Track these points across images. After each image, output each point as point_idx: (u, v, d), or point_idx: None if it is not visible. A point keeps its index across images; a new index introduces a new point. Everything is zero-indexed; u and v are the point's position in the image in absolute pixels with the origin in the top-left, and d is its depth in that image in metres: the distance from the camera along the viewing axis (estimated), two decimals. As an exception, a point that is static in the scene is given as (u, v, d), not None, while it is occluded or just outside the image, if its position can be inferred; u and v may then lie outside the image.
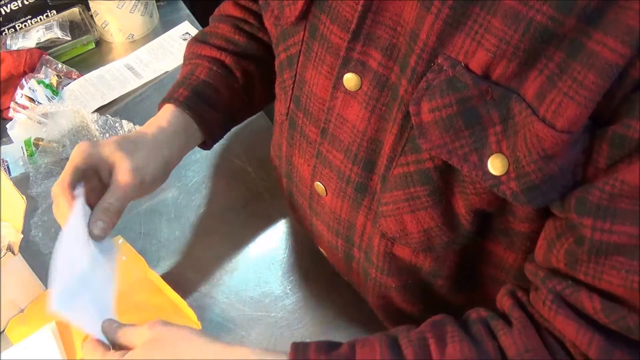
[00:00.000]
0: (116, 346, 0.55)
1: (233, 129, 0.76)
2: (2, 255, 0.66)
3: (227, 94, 0.72)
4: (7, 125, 0.94)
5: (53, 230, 0.80)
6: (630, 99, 0.39)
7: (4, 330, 0.71)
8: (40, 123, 0.92)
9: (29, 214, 0.79)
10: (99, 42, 1.12)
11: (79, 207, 0.57)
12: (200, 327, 0.69)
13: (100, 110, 0.99)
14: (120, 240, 0.77)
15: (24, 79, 0.99)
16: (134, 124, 0.91)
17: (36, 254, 0.78)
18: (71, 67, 1.05)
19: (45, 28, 1.08)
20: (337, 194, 0.60)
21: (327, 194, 0.61)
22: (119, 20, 1.09)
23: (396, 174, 0.52)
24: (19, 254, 0.68)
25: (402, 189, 0.52)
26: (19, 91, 0.97)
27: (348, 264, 0.67)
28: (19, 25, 1.10)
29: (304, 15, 0.55)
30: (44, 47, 1.06)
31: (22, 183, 0.86)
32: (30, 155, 0.89)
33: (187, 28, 1.13)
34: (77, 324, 0.56)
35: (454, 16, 0.42)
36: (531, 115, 0.41)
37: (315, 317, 0.73)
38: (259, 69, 0.73)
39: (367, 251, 0.61)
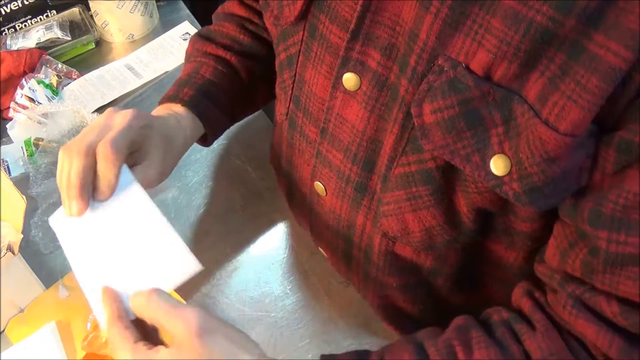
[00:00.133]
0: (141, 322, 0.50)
1: (233, 129, 0.76)
2: (2, 255, 0.66)
3: (231, 94, 0.72)
4: (7, 125, 0.94)
5: (53, 231, 0.80)
6: (635, 104, 0.39)
7: (4, 330, 0.71)
8: (40, 123, 0.92)
9: (29, 214, 0.79)
10: (99, 42, 1.11)
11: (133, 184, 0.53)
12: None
13: (100, 110, 0.99)
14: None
15: (24, 79, 0.99)
16: (134, 124, 0.91)
17: (36, 254, 0.78)
18: (71, 67, 1.04)
19: (45, 28, 1.08)
20: (337, 194, 0.60)
21: (326, 193, 0.61)
22: (119, 20, 1.08)
23: (397, 174, 0.51)
24: (19, 254, 0.68)
25: (404, 189, 0.52)
26: (19, 91, 0.97)
27: (348, 264, 0.67)
28: (19, 25, 1.10)
29: (303, 15, 0.55)
30: (44, 47, 1.05)
31: (22, 183, 0.86)
32: (30, 155, 0.89)
33: (187, 28, 1.13)
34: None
35: (453, 16, 0.42)
36: (534, 117, 0.41)
37: (315, 317, 0.73)
38: (263, 68, 0.73)
39: (367, 251, 0.61)
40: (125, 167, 0.54)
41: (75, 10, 1.13)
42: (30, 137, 0.91)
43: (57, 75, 1.01)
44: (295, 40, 0.57)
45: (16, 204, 0.69)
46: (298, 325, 0.72)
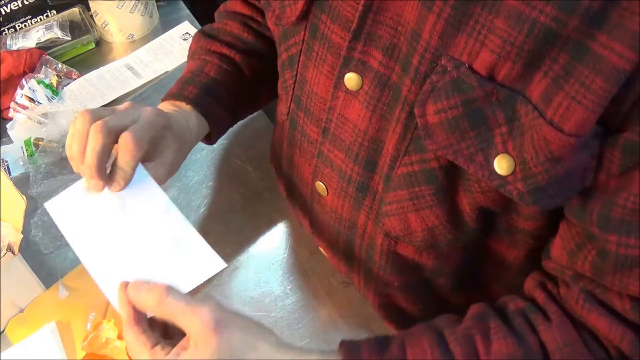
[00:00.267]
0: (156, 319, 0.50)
1: (233, 129, 0.76)
2: (2, 255, 0.66)
3: (236, 92, 0.72)
4: (7, 125, 0.94)
5: (53, 230, 0.80)
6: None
7: (4, 330, 0.71)
8: (40, 123, 0.92)
9: (29, 214, 0.78)
10: (99, 42, 1.11)
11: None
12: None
13: (100, 110, 0.99)
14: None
15: (24, 79, 0.98)
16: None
17: (36, 254, 0.78)
18: (71, 67, 1.04)
19: (45, 28, 1.08)
20: (338, 194, 0.60)
21: (328, 193, 0.61)
22: (119, 20, 1.08)
23: (400, 174, 0.52)
24: (19, 254, 0.68)
25: (407, 189, 0.52)
26: (19, 91, 0.97)
27: (349, 263, 0.67)
28: (19, 25, 1.10)
29: (304, 15, 0.55)
30: (44, 47, 1.05)
31: (22, 183, 0.86)
32: (30, 155, 0.89)
33: (187, 28, 1.13)
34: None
35: (456, 16, 0.42)
36: (538, 117, 0.41)
37: (315, 317, 0.73)
38: (266, 66, 0.73)
39: (369, 250, 0.61)
40: (140, 164, 0.55)
41: (75, 10, 1.13)
42: (30, 137, 0.91)
43: (57, 75, 1.01)
44: (297, 40, 0.57)
45: (16, 204, 0.69)
46: (298, 325, 0.72)
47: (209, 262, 0.52)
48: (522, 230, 0.52)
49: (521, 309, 0.50)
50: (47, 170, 0.88)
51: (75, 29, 1.10)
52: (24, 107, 0.95)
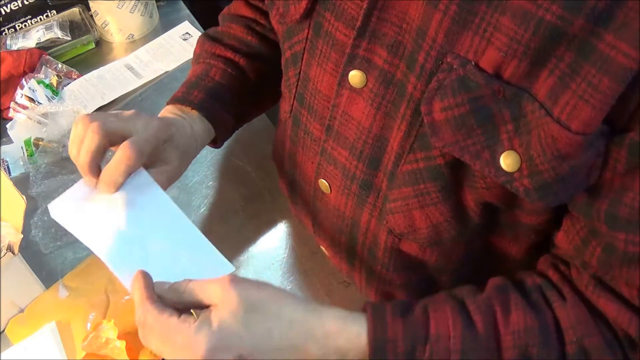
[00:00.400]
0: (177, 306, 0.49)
1: (233, 129, 0.76)
2: (2, 255, 0.66)
3: (241, 96, 0.72)
4: (7, 125, 0.94)
5: (53, 230, 0.80)
6: None
7: (4, 330, 0.71)
8: (40, 123, 0.92)
9: (29, 214, 0.79)
10: (99, 42, 1.11)
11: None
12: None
13: (100, 110, 0.99)
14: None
15: (24, 79, 0.98)
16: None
17: (36, 254, 0.78)
18: (71, 67, 1.04)
19: (45, 28, 1.08)
20: (342, 191, 0.60)
21: (331, 191, 0.61)
22: (119, 20, 1.08)
23: (405, 171, 0.52)
24: (19, 254, 0.68)
25: (412, 186, 0.52)
26: (19, 91, 0.97)
27: (351, 262, 0.67)
28: (19, 25, 1.10)
29: (308, 13, 0.55)
30: (44, 47, 1.05)
31: (22, 183, 0.86)
32: (30, 155, 0.89)
33: (187, 28, 1.13)
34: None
35: (461, 14, 0.43)
36: (545, 115, 0.41)
37: (315, 317, 0.73)
38: (270, 69, 0.73)
39: (372, 248, 0.61)
40: (142, 170, 0.56)
41: (75, 10, 1.13)
42: (30, 137, 0.91)
43: (57, 75, 1.01)
44: (300, 38, 0.57)
45: (16, 204, 0.69)
46: (298, 325, 0.72)
47: (218, 266, 0.53)
48: (525, 225, 0.53)
49: (538, 285, 0.52)
50: (47, 170, 0.88)
51: (75, 29, 1.10)
52: (24, 107, 0.95)
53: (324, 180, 0.61)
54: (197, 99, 0.67)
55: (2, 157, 0.90)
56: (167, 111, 0.67)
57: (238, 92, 0.71)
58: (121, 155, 0.54)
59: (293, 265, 0.78)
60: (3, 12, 1.06)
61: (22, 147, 0.91)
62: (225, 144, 0.92)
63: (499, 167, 0.45)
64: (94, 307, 0.71)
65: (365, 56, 0.51)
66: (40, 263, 0.76)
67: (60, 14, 1.12)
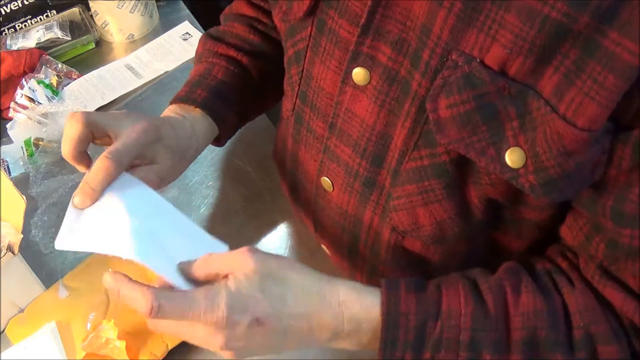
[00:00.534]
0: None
1: (233, 129, 0.76)
2: (2, 255, 0.66)
3: (244, 94, 0.72)
4: (7, 125, 0.94)
5: (53, 230, 0.80)
6: None
7: (4, 330, 0.71)
8: (40, 123, 0.92)
9: (29, 214, 0.78)
10: (99, 42, 1.11)
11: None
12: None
13: (100, 110, 0.99)
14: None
15: (24, 79, 0.98)
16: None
17: (36, 254, 0.77)
18: (71, 67, 1.04)
19: (45, 28, 1.08)
20: (345, 189, 0.60)
21: (333, 189, 0.61)
22: (119, 20, 1.08)
23: (409, 168, 0.52)
24: (19, 254, 0.68)
25: (416, 183, 0.52)
26: (19, 91, 0.97)
27: (353, 261, 0.67)
28: (19, 25, 1.09)
29: (311, 11, 0.55)
30: (44, 47, 1.05)
31: (22, 183, 0.86)
32: (30, 155, 0.89)
33: (187, 28, 1.13)
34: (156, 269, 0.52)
35: (466, 11, 0.43)
36: (551, 112, 0.42)
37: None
38: (273, 67, 0.73)
39: (374, 246, 0.61)
40: (124, 173, 0.55)
41: (75, 10, 1.13)
42: (30, 137, 0.91)
43: (57, 75, 1.01)
44: (303, 36, 0.57)
45: (16, 204, 0.69)
46: (299, 325, 0.72)
47: (213, 247, 0.54)
48: (529, 221, 0.54)
49: (548, 270, 0.52)
50: (47, 170, 0.87)
51: (75, 29, 1.10)
52: (24, 107, 0.95)
53: (326, 178, 0.61)
54: (201, 98, 0.67)
55: (2, 157, 0.90)
56: (170, 111, 0.67)
57: (241, 90, 0.71)
58: (99, 166, 0.53)
59: (293, 265, 0.78)
60: (3, 12, 1.06)
61: (22, 147, 0.91)
62: (226, 143, 0.92)
63: (504, 164, 0.45)
64: (94, 307, 0.71)
65: (369, 53, 0.51)
66: (40, 263, 0.76)
67: (60, 14, 1.12)
